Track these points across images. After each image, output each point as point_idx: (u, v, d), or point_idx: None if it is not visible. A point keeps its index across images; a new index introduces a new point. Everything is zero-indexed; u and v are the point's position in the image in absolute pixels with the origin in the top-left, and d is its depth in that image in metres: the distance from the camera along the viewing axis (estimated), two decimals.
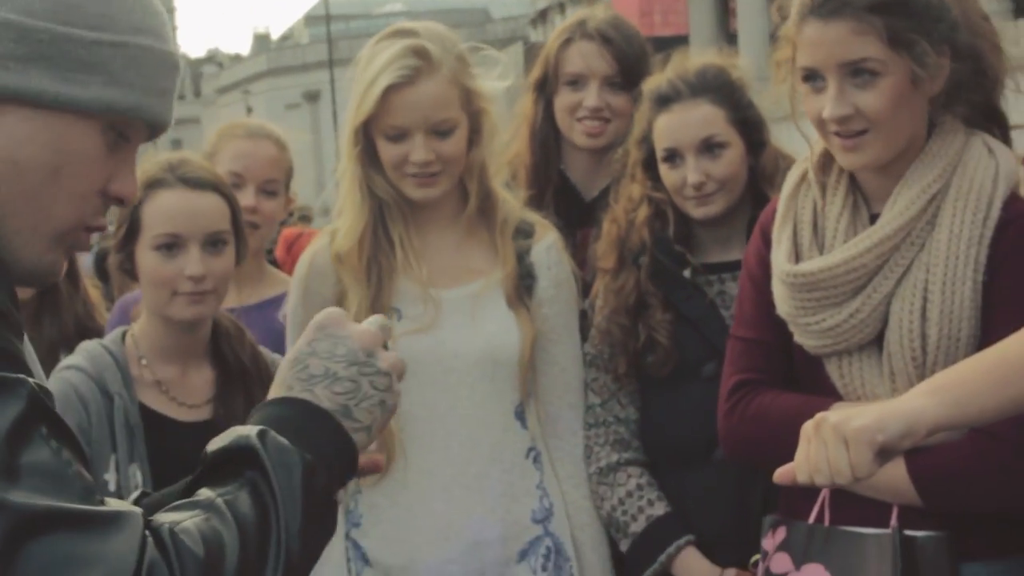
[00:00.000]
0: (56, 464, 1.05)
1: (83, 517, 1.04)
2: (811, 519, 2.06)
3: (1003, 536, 2.10)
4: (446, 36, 2.49)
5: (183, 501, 1.14)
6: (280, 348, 2.61)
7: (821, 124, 2.09)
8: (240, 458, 1.17)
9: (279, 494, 1.14)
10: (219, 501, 1.13)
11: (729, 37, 27.18)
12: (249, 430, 1.18)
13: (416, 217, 2.53)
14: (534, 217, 2.62)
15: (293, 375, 1.26)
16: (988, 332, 2.06)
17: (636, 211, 2.60)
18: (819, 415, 1.64)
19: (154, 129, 1.32)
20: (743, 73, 2.64)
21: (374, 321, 1.33)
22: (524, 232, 2.57)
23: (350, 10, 63.63)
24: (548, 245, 2.58)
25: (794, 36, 2.10)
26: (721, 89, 2.58)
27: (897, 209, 2.11)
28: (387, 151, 2.44)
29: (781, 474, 1.65)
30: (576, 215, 2.91)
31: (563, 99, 2.93)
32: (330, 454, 1.21)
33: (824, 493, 1.62)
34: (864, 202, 2.18)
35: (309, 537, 1.15)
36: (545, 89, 2.96)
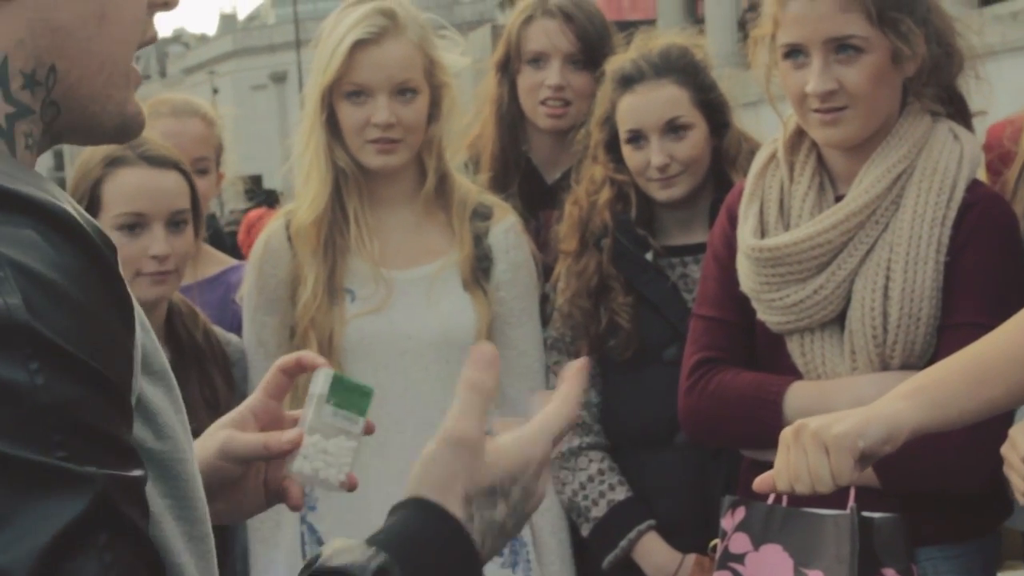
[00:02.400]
0: None
1: None
2: (770, 500, 2.06)
3: (958, 521, 2.13)
4: (411, 6, 2.53)
5: None
6: (222, 324, 2.63)
7: (801, 100, 2.12)
8: None
9: None
10: None
11: (697, 22, 27.27)
12: (371, 558, 0.99)
13: (373, 194, 2.53)
14: (492, 199, 2.62)
15: (481, 506, 1.07)
16: (948, 312, 2.09)
17: (598, 193, 2.60)
18: (799, 422, 1.64)
19: None
20: (706, 54, 2.64)
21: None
22: (482, 214, 2.57)
23: None
24: (507, 227, 2.58)
25: (777, 13, 2.12)
26: (685, 70, 2.58)
27: (863, 187, 2.14)
28: (350, 115, 2.47)
29: (760, 483, 1.66)
30: (538, 197, 2.90)
31: (525, 79, 2.92)
32: None
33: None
34: (831, 183, 2.21)
35: None
36: (508, 69, 2.95)
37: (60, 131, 1.08)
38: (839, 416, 1.62)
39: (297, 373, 1.41)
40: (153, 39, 1.14)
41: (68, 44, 1.06)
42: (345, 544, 1.02)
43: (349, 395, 1.37)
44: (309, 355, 1.42)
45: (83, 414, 0.88)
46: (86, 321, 0.89)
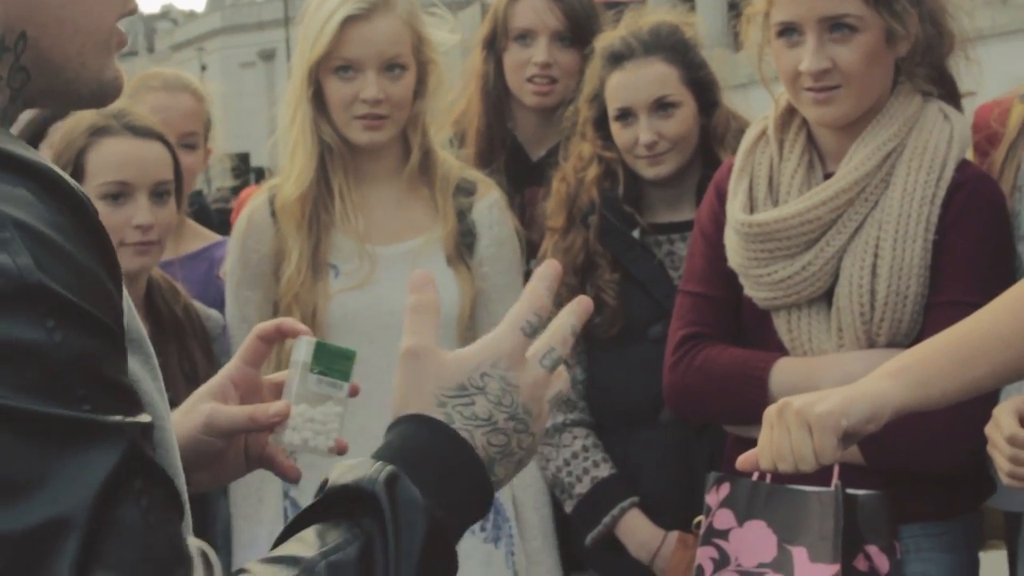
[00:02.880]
0: (143, 527, 0.90)
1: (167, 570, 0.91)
2: (755, 476, 2.06)
3: (941, 500, 2.14)
4: None
5: (283, 554, 0.99)
6: (205, 300, 2.62)
7: (794, 78, 2.12)
8: (360, 502, 1.01)
9: (392, 558, 0.99)
10: (322, 566, 0.98)
11: (687, 0, 27.25)
12: (379, 470, 1.01)
13: (357, 170, 2.52)
14: (476, 175, 2.62)
15: (456, 404, 1.08)
16: (936, 290, 2.10)
17: (586, 170, 2.59)
18: (783, 400, 1.63)
19: None
20: (696, 32, 2.64)
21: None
22: (466, 190, 2.57)
23: None
24: (490, 203, 2.57)
25: None
26: (675, 48, 2.58)
27: (853, 164, 2.14)
28: (337, 90, 2.46)
29: (743, 461, 1.65)
30: (523, 174, 2.89)
31: (512, 56, 2.91)
32: (466, 507, 1.06)
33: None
34: (820, 160, 2.22)
35: None
36: (495, 46, 2.94)
37: (32, 96, 1.08)
38: (823, 395, 1.62)
39: (276, 340, 1.40)
40: (134, 10, 1.14)
41: (40, 11, 1.05)
42: (350, 464, 1.03)
43: (332, 360, 1.36)
44: (289, 321, 1.41)
45: (100, 366, 0.91)
46: (86, 277, 0.91)
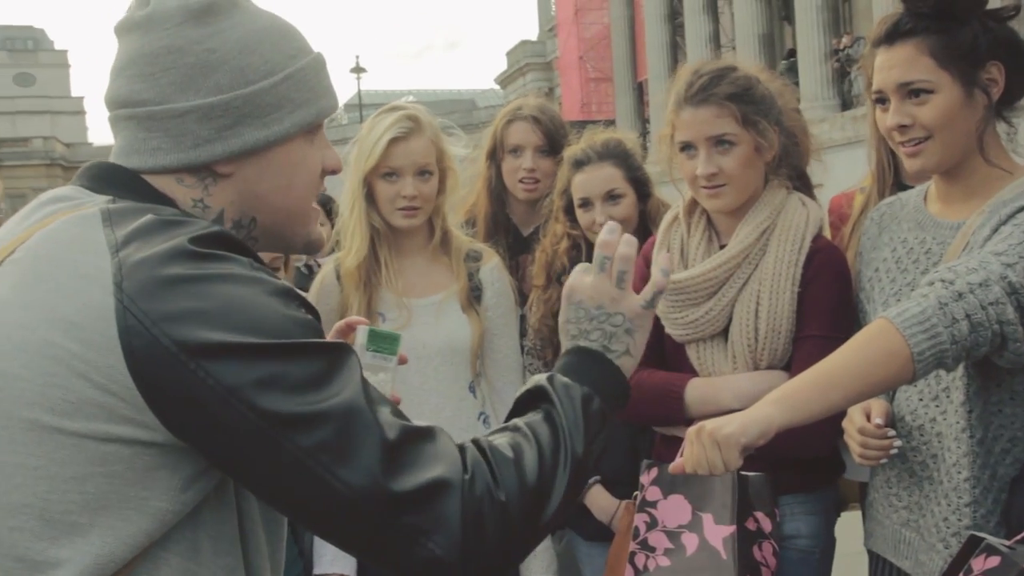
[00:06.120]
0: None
1: (424, 431, 1.06)
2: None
3: (810, 476, 2.12)
4: (428, 113, 2.52)
5: (498, 428, 1.13)
6: None
7: (693, 180, 2.12)
8: (538, 396, 1.14)
9: (565, 417, 1.11)
10: (522, 424, 1.11)
11: (644, 121, 27.31)
12: (541, 377, 1.16)
13: (397, 245, 2.52)
14: (481, 246, 2.61)
15: (566, 336, 1.21)
16: (801, 328, 2.08)
17: (559, 243, 2.59)
18: (699, 423, 1.59)
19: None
20: (634, 144, 2.65)
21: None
22: (474, 257, 2.55)
23: (378, 100, 63.54)
24: (492, 266, 2.56)
25: (674, 119, 2.12)
26: (620, 155, 2.58)
27: (739, 239, 2.13)
28: (384, 190, 2.45)
29: (675, 466, 1.61)
30: (516, 246, 2.90)
31: (507, 164, 2.93)
32: (601, 380, 1.17)
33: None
34: (716, 235, 2.20)
35: (589, 444, 1.12)
36: (495, 157, 2.96)
37: (260, 249, 1.20)
38: (728, 419, 1.58)
39: (348, 332, 1.46)
40: (323, 191, 1.22)
41: (264, 204, 1.17)
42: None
43: (382, 341, 1.40)
44: (353, 318, 1.47)
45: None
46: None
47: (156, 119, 1.11)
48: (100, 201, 1.08)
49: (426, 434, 1.05)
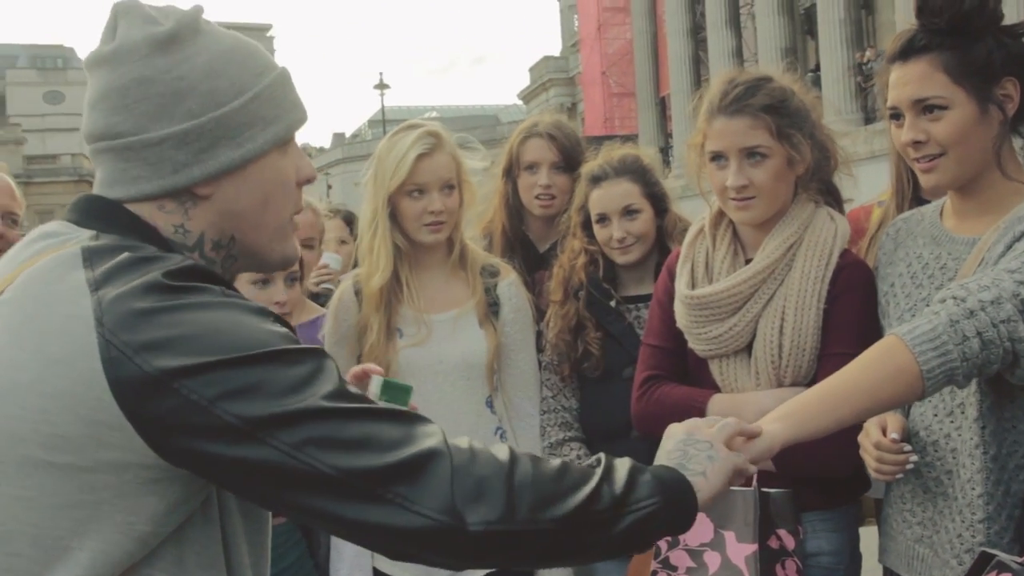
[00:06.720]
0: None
1: (410, 414, 1.11)
2: None
3: (831, 493, 2.08)
4: (445, 128, 2.52)
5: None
6: None
7: (723, 191, 2.09)
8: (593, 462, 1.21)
9: (605, 465, 1.20)
10: (558, 460, 1.19)
11: (667, 135, 27.28)
12: (635, 473, 1.21)
13: (417, 262, 2.51)
14: (498, 262, 2.60)
15: (666, 458, 1.32)
16: (826, 345, 2.05)
17: (577, 259, 2.58)
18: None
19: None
20: (652, 160, 2.63)
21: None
22: (491, 272, 2.55)
23: (401, 116, 63.93)
24: (509, 282, 2.55)
25: (706, 128, 2.10)
26: (637, 171, 2.57)
27: (765, 253, 2.10)
28: (410, 207, 2.44)
29: None
30: (533, 262, 2.89)
31: (524, 180, 2.92)
32: (665, 474, 1.24)
33: None
34: (742, 249, 2.17)
35: (623, 495, 1.19)
36: (511, 174, 2.96)
37: (238, 268, 1.23)
38: None
39: (364, 378, 1.50)
40: (300, 207, 1.26)
41: (243, 221, 1.20)
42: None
43: (395, 392, 1.44)
44: (368, 366, 1.52)
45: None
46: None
47: (134, 149, 1.14)
48: (84, 237, 1.12)
49: (412, 416, 1.10)
